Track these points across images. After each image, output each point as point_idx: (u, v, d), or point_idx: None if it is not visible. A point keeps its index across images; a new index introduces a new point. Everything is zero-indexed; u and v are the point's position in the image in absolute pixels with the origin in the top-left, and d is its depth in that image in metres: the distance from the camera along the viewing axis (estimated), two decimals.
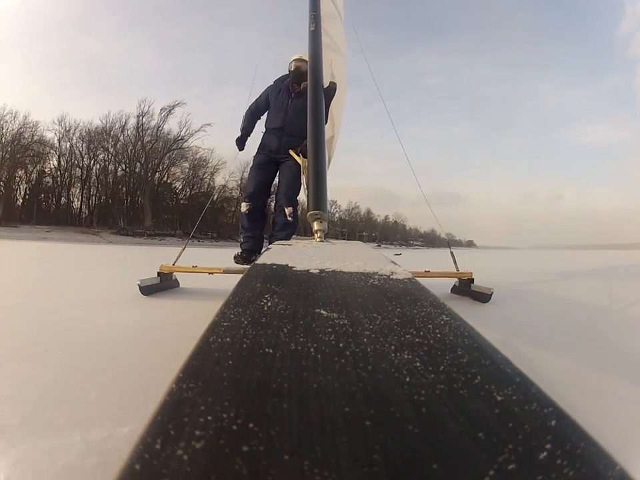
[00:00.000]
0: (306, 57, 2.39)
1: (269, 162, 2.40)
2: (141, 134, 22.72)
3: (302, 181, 2.17)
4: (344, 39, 2.07)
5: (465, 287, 2.19)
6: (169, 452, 0.14)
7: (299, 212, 2.45)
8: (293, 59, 2.38)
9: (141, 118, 22.71)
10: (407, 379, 0.19)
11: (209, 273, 2.14)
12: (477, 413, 0.17)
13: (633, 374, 0.99)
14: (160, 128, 22.69)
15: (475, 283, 2.15)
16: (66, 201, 23.85)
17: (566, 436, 0.16)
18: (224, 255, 2.39)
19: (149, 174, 22.61)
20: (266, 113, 2.49)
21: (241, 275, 0.47)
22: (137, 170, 22.95)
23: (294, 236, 2.35)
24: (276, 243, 0.88)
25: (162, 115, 22.59)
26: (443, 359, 0.21)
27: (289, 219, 2.27)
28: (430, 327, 0.26)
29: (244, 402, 0.17)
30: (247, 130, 2.50)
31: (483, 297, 2.00)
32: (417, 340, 0.24)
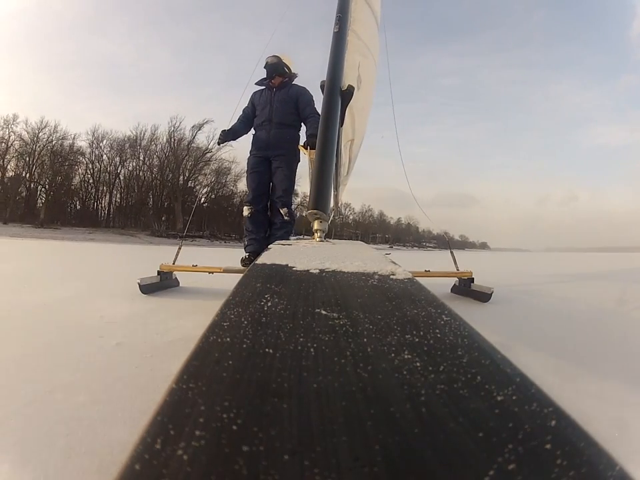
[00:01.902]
0: (278, 54, 2.43)
1: (260, 162, 2.41)
2: (174, 146, 26.50)
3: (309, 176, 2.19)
4: (377, 44, 2.07)
5: (465, 287, 2.19)
6: (169, 452, 0.14)
7: (296, 211, 2.48)
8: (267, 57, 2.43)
9: (173, 133, 26.61)
10: (407, 379, 0.19)
11: (209, 272, 2.14)
12: (477, 413, 0.17)
13: (633, 375, 0.99)
14: (190, 143, 26.59)
15: (475, 282, 2.16)
16: (98, 205, 27.15)
17: (566, 436, 0.16)
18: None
19: (181, 182, 26.02)
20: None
21: (241, 275, 0.47)
22: (166, 177, 26.22)
23: (293, 237, 2.38)
24: (276, 242, 0.88)
25: (193, 132, 26.34)
26: (443, 359, 0.21)
27: (286, 218, 2.34)
28: (430, 327, 0.26)
29: (244, 402, 0.17)
30: (235, 129, 2.50)
31: (483, 297, 2.00)
32: (416, 340, 0.24)
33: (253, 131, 2.49)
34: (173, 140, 26.47)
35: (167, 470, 0.13)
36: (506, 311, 1.81)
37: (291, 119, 2.38)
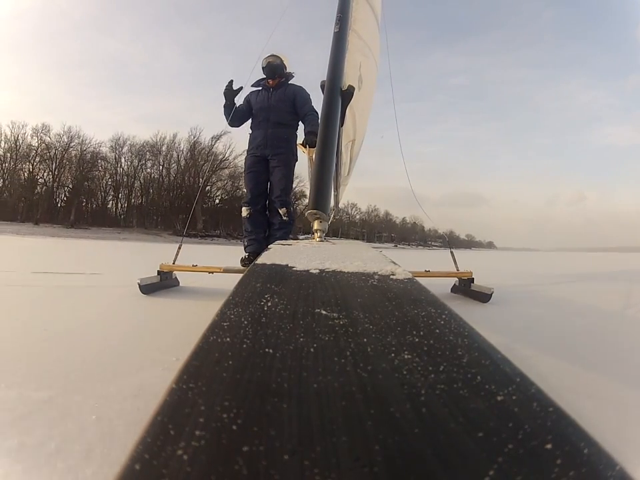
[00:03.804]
0: (276, 53, 2.42)
1: (258, 162, 2.40)
2: (195, 154, 29.43)
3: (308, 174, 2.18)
4: (378, 44, 2.07)
5: (465, 287, 2.19)
6: (169, 452, 0.14)
7: (295, 209, 2.48)
8: (265, 57, 2.42)
9: (194, 144, 29.57)
10: (407, 379, 0.19)
11: (209, 272, 2.14)
12: (476, 413, 0.17)
13: (633, 376, 0.99)
14: (210, 151, 29.42)
15: (475, 282, 2.15)
16: (119, 206, 29.78)
17: (566, 436, 0.16)
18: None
19: (201, 186, 28.83)
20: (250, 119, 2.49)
21: (240, 275, 0.47)
22: (187, 180, 29.37)
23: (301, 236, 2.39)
24: (276, 242, 0.88)
25: (212, 141, 28.98)
26: (443, 358, 0.21)
27: (285, 218, 2.33)
28: (430, 327, 0.26)
29: (244, 402, 0.17)
30: (230, 108, 2.42)
31: (483, 297, 1.99)
32: (416, 340, 0.24)
33: (249, 131, 2.49)
34: (194, 150, 29.53)
35: (167, 470, 0.13)
36: (506, 311, 1.81)
37: (288, 118, 2.38)
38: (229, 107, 2.42)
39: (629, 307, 2.12)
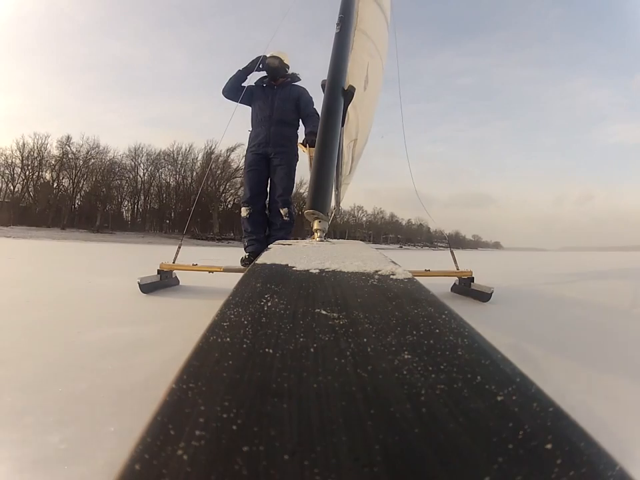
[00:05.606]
0: (276, 53, 2.41)
1: (259, 160, 2.39)
2: (211, 165, 31.85)
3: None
4: (386, 44, 2.06)
5: (465, 286, 2.19)
6: (169, 452, 0.14)
7: (296, 210, 2.47)
8: (267, 56, 2.41)
9: (211, 155, 31.26)
10: (407, 379, 0.19)
11: (209, 272, 2.14)
12: (477, 413, 0.17)
13: (635, 375, 0.99)
14: (225, 162, 31.56)
15: (475, 281, 2.15)
16: (137, 211, 32.12)
17: (566, 436, 0.16)
18: None
19: (217, 194, 30.99)
20: (250, 111, 2.47)
21: (241, 274, 0.47)
22: (204, 188, 31.05)
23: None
24: (276, 242, 0.87)
25: (227, 153, 30.77)
26: (442, 359, 0.21)
27: (285, 218, 2.32)
28: (430, 327, 0.26)
29: (244, 402, 0.17)
30: (240, 80, 2.41)
31: (483, 296, 1.99)
32: (416, 340, 0.24)
33: (250, 128, 2.48)
34: (209, 159, 31.57)
35: (167, 470, 0.13)
36: (506, 311, 1.80)
37: (291, 117, 2.38)
38: (239, 78, 2.39)
39: (633, 306, 2.11)
